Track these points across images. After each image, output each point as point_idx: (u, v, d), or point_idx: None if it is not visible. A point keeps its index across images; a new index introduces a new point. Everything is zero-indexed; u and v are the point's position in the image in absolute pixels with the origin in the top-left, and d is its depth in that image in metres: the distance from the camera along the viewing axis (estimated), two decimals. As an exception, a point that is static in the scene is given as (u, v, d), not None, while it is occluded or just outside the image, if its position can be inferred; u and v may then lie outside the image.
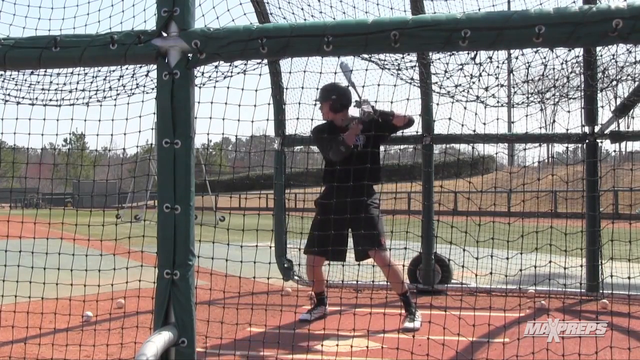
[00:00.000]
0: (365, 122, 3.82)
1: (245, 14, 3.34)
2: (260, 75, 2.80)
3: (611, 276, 4.22)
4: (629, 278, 4.05)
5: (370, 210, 3.91)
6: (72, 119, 3.09)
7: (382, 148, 4.30)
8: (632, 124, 5.57)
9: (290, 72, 4.45)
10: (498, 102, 4.31)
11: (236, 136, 3.02)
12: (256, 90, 2.57)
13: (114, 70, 3.73)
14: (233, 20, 2.69)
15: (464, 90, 4.11)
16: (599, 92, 4.91)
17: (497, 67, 3.77)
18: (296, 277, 5.32)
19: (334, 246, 3.76)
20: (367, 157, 3.87)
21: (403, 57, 4.00)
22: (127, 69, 3.69)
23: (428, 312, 3.49)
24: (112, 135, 2.88)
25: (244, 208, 3.64)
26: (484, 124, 3.53)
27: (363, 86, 3.71)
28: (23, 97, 4.04)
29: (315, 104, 4.16)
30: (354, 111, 4.10)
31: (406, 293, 3.91)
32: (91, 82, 3.83)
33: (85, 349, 3.15)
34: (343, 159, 3.85)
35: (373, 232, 3.82)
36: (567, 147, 6.36)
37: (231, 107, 2.60)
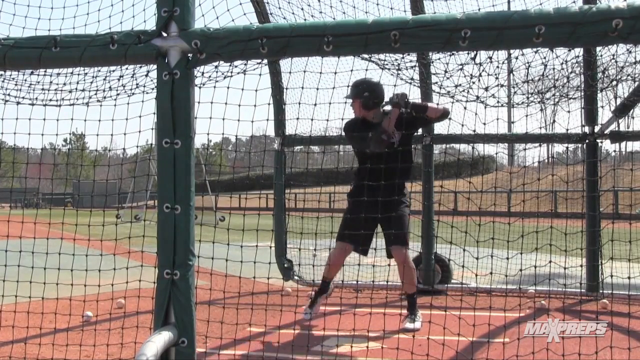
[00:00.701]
0: (401, 107, 3.75)
1: (245, 14, 3.34)
2: (260, 75, 2.80)
3: (611, 276, 4.22)
4: (629, 278, 4.05)
5: (401, 208, 3.93)
6: (72, 119, 3.09)
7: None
8: (632, 124, 5.57)
9: (290, 72, 4.47)
10: (498, 102, 4.30)
11: (236, 136, 3.02)
12: (256, 90, 2.57)
13: (113, 70, 3.73)
14: (233, 20, 2.69)
15: (464, 90, 4.11)
16: (599, 92, 4.90)
17: (497, 67, 3.76)
18: (296, 277, 5.32)
19: (363, 240, 3.83)
20: (403, 155, 3.84)
21: (403, 57, 4.00)
22: (127, 69, 3.69)
23: (428, 312, 3.49)
24: (112, 135, 2.89)
25: (244, 208, 3.64)
26: (484, 124, 3.53)
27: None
28: (23, 97, 4.04)
29: (315, 105, 4.13)
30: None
31: (414, 295, 3.93)
32: (91, 82, 3.84)
33: (85, 349, 3.15)
34: (379, 156, 3.77)
35: (402, 229, 3.85)
36: (567, 147, 6.35)
37: (231, 107, 2.60)
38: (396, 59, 4.01)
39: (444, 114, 3.93)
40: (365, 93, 3.88)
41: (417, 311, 3.88)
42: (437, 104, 3.97)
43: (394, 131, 3.84)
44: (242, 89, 2.58)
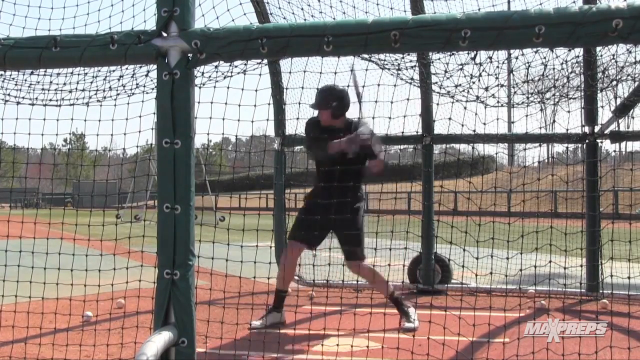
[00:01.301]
0: (355, 143, 3.69)
1: (245, 14, 3.34)
2: (260, 75, 2.80)
3: (611, 276, 4.22)
4: (628, 278, 4.05)
5: (356, 220, 3.85)
6: (72, 119, 3.09)
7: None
8: (632, 124, 5.57)
9: (290, 72, 4.46)
10: (498, 102, 4.31)
11: (236, 136, 3.01)
12: (256, 90, 2.57)
13: (113, 70, 3.73)
14: (233, 20, 2.70)
15: (464, 90, 4.11)
16: (599, 92, 4.91)
17: (497, 67, 3.77)
18: (296, 277, 5.31)
19: (315, 235, 3.76)
20: (356, 160, 3.77)
21: (403, 57, 4.01)
22: (127, 69, 3.69)
23: (428, 312, 3.49)
24: (112, 135, 2.89)
25: (244, 208, 3.63)
26: (484, 124, 3.53)
27: (363, 86, 3.69)
28: (23, 97, 4.04)
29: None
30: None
31: (393, 294, 3.89)
32: (91, 82, 3.84)
33: (85, 349, 3.15)
34: (331, 161, 3.73)
35: (358, 245, 3.81)
36: (567, 147, 6.37)
37: (231, 107, 2.60)
38: (396, 59, 4.02)
39: (378, 173, 3.81)
40: (333, 103, 3.80)
41: (409, 309, 3.85)
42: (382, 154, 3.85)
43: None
44: (242, 89, 2.58)
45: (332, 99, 3.80)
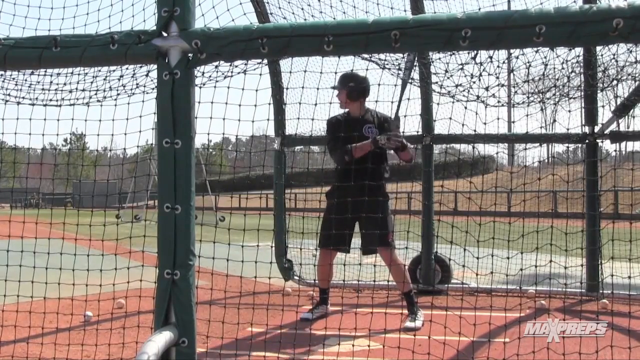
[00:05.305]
0: (377, 143, 3.78)
1: (245, 14, 3.34)
2: (260, 75, 2.80)
3: (611, 276, 4.22)
4: (629, 278, 4.05)
5: (384, 209, 3.93)
6: (72, 119, 3.10)
7: None
8: (632, 124, 5.57)
9: (290, 72, 4.44)
10: (498, 102, 4.30)
11: (236, 136, 3.01)
12: (256, 90, 2.57)
13: (114, 70, 3.72)
14: (233, 20, 2.69)
15: (464, 90, 4.10)
16: (599, 92, 4.90)
17: (498, 66, 3.77)
18: (296, 277, 5.32)
19: (343, 238, 3.87)
20: (379, 155, 3.88)
21: (404, 57, 4.00)
22: (127, 69, 3.69)
23: (429, 312, 3.49)
24: (112, 135, 2.89)
25: (245, 208, 3.64)
26: (485, 123, 3.52)
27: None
28: (23, 97, 4.04)
29: (315, 104, 4.12)
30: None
31: (411, 292, 3.93)
32: (91, 82, 3.83)
33: (86, 349, 3.15)
34: (364, 157, 3.85)
35: (380, 228, 3.85)
36: (568, 147, 6.37)
37: (231, 107, 2.60)
38: (397, 59, 4.01)
39: (409, 161, 4.00)
40: (350, 83, 3.98)
41: (418, 310, 3.88)
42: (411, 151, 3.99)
43: (370, 131, 3.95)
44: (243, 89, 2.58)
45: (350, 80, 3.99)
